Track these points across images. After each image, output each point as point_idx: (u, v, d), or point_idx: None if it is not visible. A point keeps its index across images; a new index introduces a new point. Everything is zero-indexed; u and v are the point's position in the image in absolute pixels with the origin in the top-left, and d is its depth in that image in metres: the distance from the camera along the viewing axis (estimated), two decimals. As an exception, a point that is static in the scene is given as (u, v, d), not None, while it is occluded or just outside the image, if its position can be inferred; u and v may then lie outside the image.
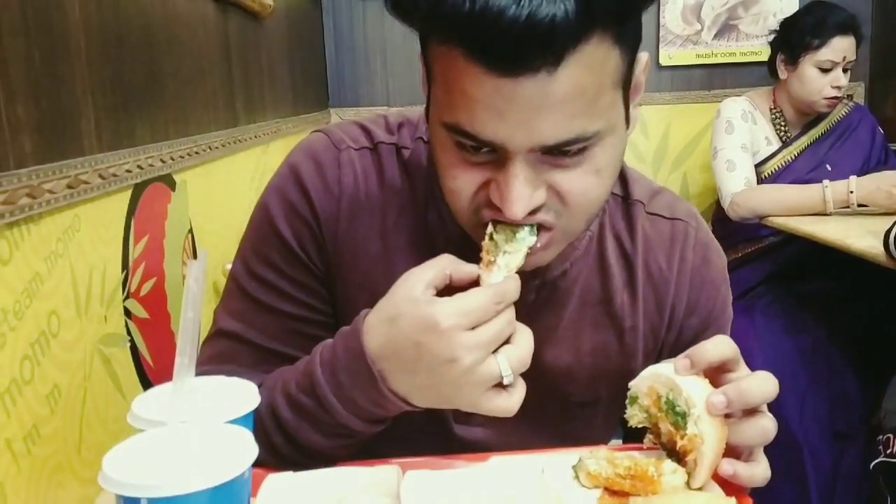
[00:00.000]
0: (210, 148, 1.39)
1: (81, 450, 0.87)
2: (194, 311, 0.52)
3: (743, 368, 0.67)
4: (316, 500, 0.65)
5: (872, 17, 2.74)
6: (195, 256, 1.31)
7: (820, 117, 2.24)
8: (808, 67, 2.14)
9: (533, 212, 0.64)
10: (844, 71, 2.14)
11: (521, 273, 0.67)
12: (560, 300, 0.81)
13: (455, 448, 0.78)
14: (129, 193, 1.04)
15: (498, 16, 0.54)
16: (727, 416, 0.64)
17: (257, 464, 0.50)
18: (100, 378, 0.93)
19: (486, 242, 0.67)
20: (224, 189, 1.52)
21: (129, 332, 1.03)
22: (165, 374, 0.63)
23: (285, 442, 0.71)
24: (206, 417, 0.53)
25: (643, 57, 0.67)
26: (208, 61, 1.44)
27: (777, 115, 2.26)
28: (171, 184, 1.21)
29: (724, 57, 2.82)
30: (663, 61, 2.81)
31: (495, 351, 0.64)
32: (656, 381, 0.67)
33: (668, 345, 0.84)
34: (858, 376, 1.92)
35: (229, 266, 0.85)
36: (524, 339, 0.66)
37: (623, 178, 0.85)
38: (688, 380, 0.65)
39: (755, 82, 2.64)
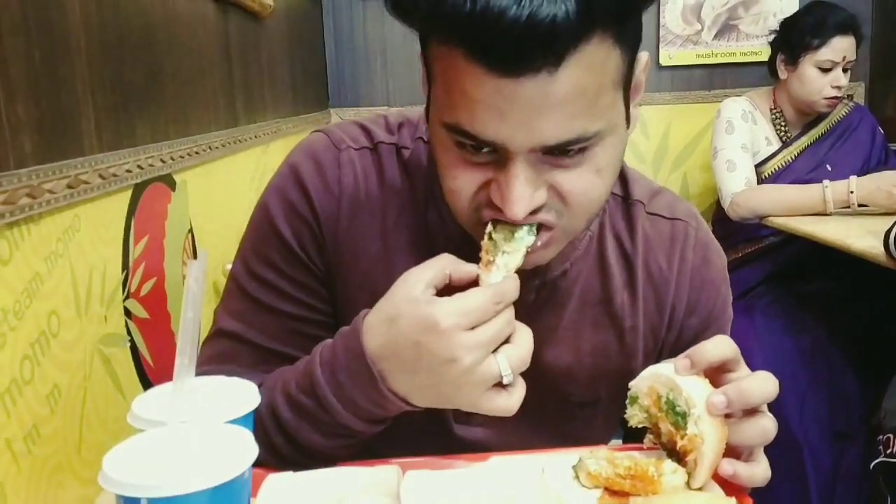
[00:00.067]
0: (210, 148, 1.39)
1: (81, 450, 0.87)
2: (194, 311, 0.52)
3: (743, 368, 0.67)
4: (316, 500, 0.65)
5: (872, 17, 2.74)
6: (195, 256, 1.31)
7: (820, 117, 2.24)
8: (807, 67, 2.14)
9: (534, 212, 0.64)
10: (844, 71, 2.14)
11: (521, 273, 0.67)
12: (560, 300, 0.81)
13: (455, 448, 0.78)
14: (129, 193, 1.04)
15: (499, 16, 0.54)
16: (727, 416, 0.64)
17: (257, 464, 0.50)
18: (100, 378, 0.93)
19: (485, 242, 0.67)
20: (224, 189, 1.52)
21: (129, 332, 1.03)
22: (165, 374, 0.63)
23: (285, 442, 0.71)
24: (206, 417, 0.53)
25: (643, 57, 0.68)
26: (208, 61, 1.44)
27: (777, 115, 2.26)
28: (172, 184, 1.21)
29: (724, 57, 2.82)
30: (663, 61, 2.81)
31: (495, 350, 0.64)
32: (656, 381, 0.67)
33: (669, 345, 0.84)
34: (858, 376, 1.92)
35: (229, 266, 0.85)
36: (524, 339, 0.66)
37: (623, 178, 0.85)
38: (688, 380, 0.65)
39: (755, 82, 2.64)
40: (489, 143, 0.62)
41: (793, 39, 2.16)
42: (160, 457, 0.49)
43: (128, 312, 1.03)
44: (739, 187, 2.11)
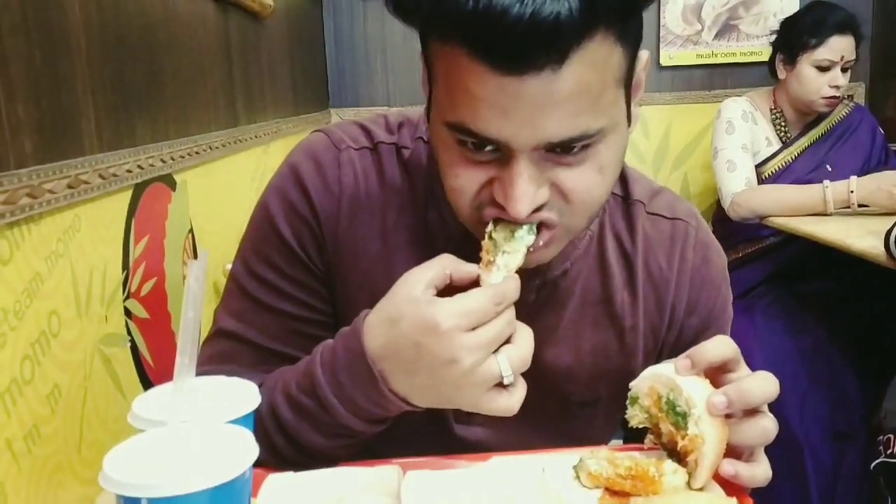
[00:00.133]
0: (210, 148, 1.39)
1: (82, 450, 0.87)
2: (195, 310, 0.52)
3: (743, 368, 0.67)
4: (316, 500, 0.65)
5: (873, 17, 2.74)
6: (195, 256, 1.31)
7: (820, 118, 2.24)
8: (805, 67, 2.14)
9: (536, 210, 0.64)
10: (844, 71, 2.13)
11: (522, 273, 0.67)
12: (560, 300, 0.81)
13: (456, 448, 0.78)
14: (129, 193, 1.04)
15: (502, 14, 0.54)
16: (728, 416, 0.64)
17: (258, 464, 0.50)
18: (100, 378, 0.93)
19: (485, 242, 0.67)
20: (224, 189, 1.52)
21: (129, 332, 1.03)
22: (166, 374, 0.63)
23: (286, 442, 0.71)
24: (207, 417, 0.53)
25: (644, 55, 0.67)
26: (209, 61, 1.44)
27: (777, 115, 2.26)
28: (172, 184, 1.21)
29: (724, 57, 2.82)
30: (664, 61, 2.81)
31: (496, 351, 0.64)
32: (657, 381, 0.67)
33: (669, 344, 0.84)
34: (859, 376, 1.92)
35: (229, 266, 0.85)
36: (524, 339, 0.66)
37: (623, 177, 0.85)
38: (688, 380, 0.65)
39: (756, 82, 2.64)
40: (492, 141, 0.62)
41: (791, 39, 2.16)
42: (160, 457, 0.48)
43: (128, 312, 1.03)
44: (740, 187, 2.11)
